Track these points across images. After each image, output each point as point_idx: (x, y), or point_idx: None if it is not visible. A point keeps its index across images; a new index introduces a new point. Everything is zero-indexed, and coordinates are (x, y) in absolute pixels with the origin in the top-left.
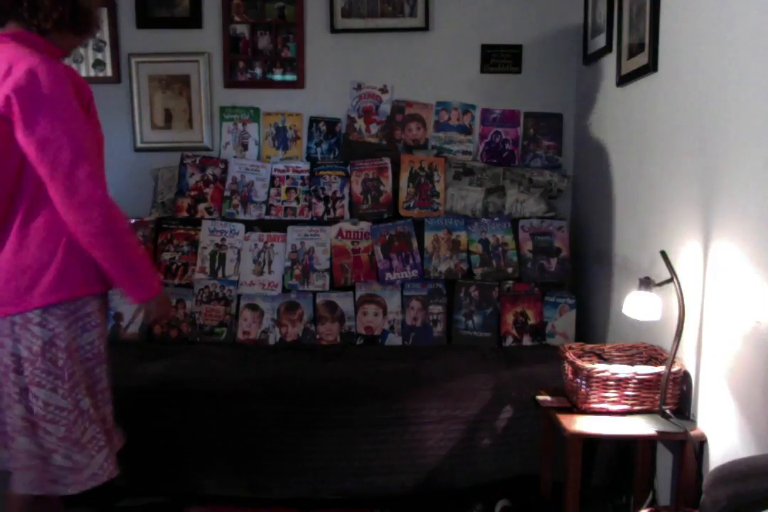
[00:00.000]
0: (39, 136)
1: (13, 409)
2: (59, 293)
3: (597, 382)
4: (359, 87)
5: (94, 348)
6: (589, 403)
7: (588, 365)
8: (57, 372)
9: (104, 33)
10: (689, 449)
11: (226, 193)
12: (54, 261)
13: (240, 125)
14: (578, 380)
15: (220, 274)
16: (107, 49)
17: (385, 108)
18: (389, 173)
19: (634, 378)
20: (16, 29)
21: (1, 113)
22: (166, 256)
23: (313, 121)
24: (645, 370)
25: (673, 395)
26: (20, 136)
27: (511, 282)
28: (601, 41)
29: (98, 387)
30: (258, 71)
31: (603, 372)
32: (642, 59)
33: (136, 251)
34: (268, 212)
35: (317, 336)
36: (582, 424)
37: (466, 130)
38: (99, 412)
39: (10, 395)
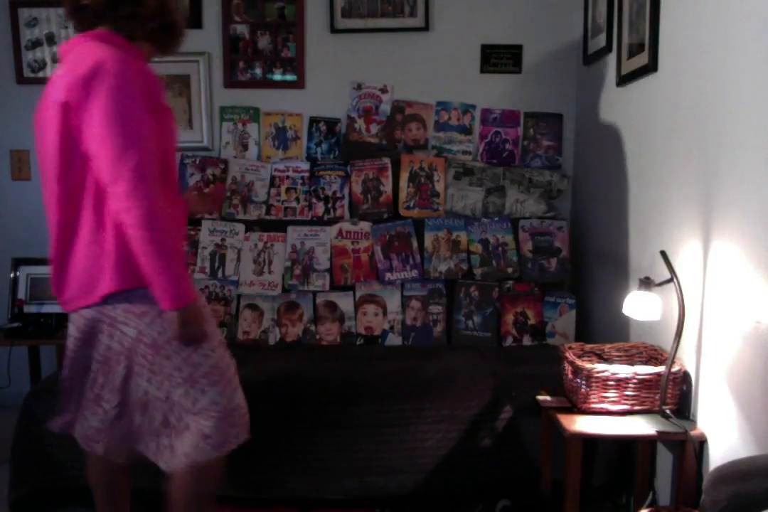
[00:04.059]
0: (95, 122)
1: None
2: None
3: (597, 382)
4: (359, 87)
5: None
6: (589, 403)
7: (588, 365)
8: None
9: None
10: (689, 449)
11: (226, 193)
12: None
13: (240, 125)
14: (578, 380)
15: (220, 274)
16: None
17: (385, 108)
18: (389, 173)
19: (634, 378)
20: (102, 30)
21: (66, 102)
22: None
23: (313, 121)
24: (645, 370)
25: (673, 395)
26: (80, 125)
27: (511, 282)
28: (601, 41)
29: None
30: (258, 71)
31: (603, 372)
32: (642, 59)
33: (174, 254)
34: (268, 212)
35: (317, 336)
36: (582, 424)
37: (466, 130)
38: None
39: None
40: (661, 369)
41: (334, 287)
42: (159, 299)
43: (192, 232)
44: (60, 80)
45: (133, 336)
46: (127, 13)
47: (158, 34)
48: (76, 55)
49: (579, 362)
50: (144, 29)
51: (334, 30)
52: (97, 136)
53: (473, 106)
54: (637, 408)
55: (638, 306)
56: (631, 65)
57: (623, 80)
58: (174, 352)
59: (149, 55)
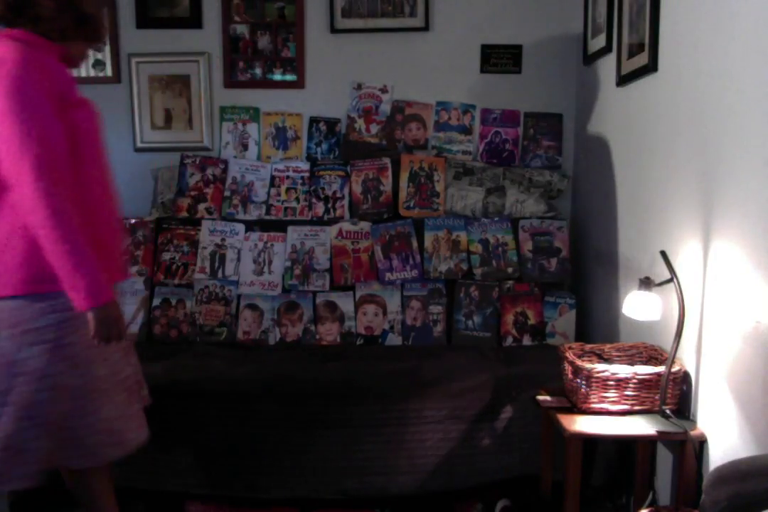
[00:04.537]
0: None
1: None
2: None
3: (597, 382)
4: (359, 87)
5: None
6: (589, 403)
7: (588, 365)
8: None
9: None
10: (689, 449)
11: (226, 193)
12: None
13: (240, 125)
14: (578, 380)
15: (220, 274)
16: (107, 49)
17: (385, 108)
18: (389, 173)
19: (634, 378)
20: (17, 30)
21: None
22: (166, 256)
23: (313, 121)
24: (645, 370)
25: (673, 395)
26: None
27: (511, 282)
28: (601, 41)
29: None
30: (258, 71)
31: (603, 372)
32: (642, 59)
33: (85, 252)
34: (268, 212)
35: (317, 336)
36: (582, 424)
37: (466, 130)
38: None
39: None
40: (661, 369)
41: (334, 287)
42: (73, 299)
43: (192, 232)
44: None
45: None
46: (31, 16)
47: (72, 32)
48: None
49: (579, 362)
50: (54, 31)
51: (334, 30)
52: None
53: (473, 106)
54: (637, 408)
55: (638, 306)
56: (631, 65)
57: (623, 80)
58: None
59: (80, 52)
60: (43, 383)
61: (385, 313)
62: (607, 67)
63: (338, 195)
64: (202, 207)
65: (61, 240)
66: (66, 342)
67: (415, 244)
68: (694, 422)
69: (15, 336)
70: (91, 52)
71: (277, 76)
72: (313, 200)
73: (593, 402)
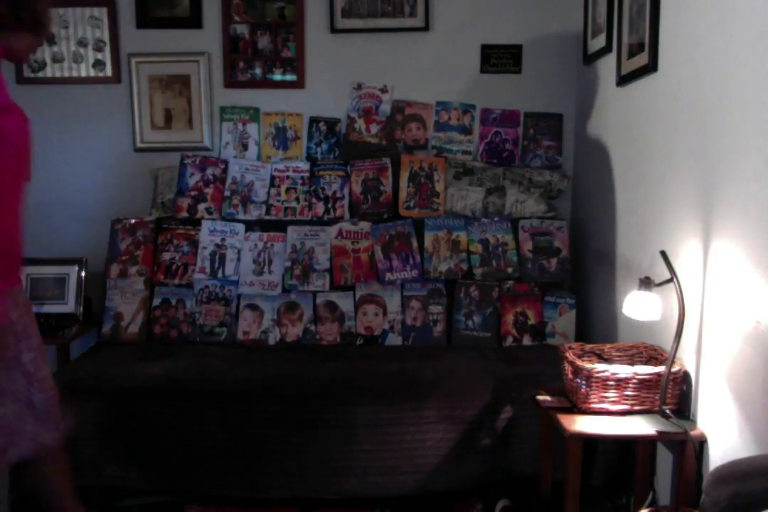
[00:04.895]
0: None
1: None
2: None
3: (597, 382)
4: (359, 87)
5: None
6: (589, 403)
7: (588, 365)
8: None
9: (104, 33)
10: (689, 449)
11: (226, 193)
12: None
13: (240, 125)
14: (578, 380)
15: (220, 274)
16: (107, 49)
17: (385, 108)
18: (389, 173)
19: (634, 378)
20: None
21: None
22: (166, 256)
23: (313, 121)
24: (645, 370)
25: (673, 395)
26: None
27: (511, 282)
28: (601, 41)
29: None
30: (258, 71)
31: (603, 372)
32: (642, 59)
33: None
34: (268, 212)
35: (317, 336)
36: (582, 424)
37: (466, 130)
38: None
39: None
40: (661, 369)
41: (334, 287)
42: None
43: (192, 232)
44: None
45: None
46: None
47: (8, 21)
48: None
49: (579, 362)
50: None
51: (334, 30)
52: None
53: (473, 106)
54: (637, 408)
55: (638, 306)
56: (631, 65)
57: (623, 80)
58: None
59: (26, 45)
60: None
61: (385, 313)
62: (607, 67)
63: (338, 195)
64: (202, 207)
65: None
66: None
67: (415, 244)
68: (694, 422)
69: None
70: (90, 53)
71: (277, 76)
72: (313, 200)
73: (593, 402)
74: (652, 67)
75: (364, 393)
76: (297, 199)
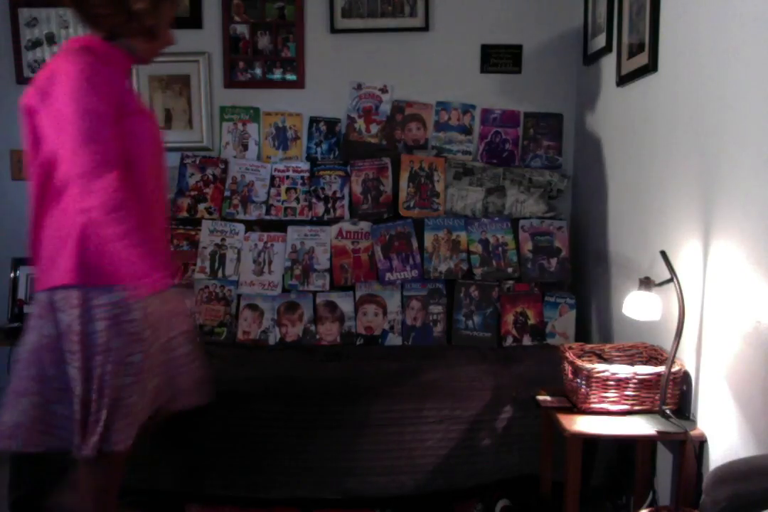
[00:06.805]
0: (52, 121)
1: None
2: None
3: (597, 382)
4: (359, 87)
5: None
6: (589, 403)
7: (588, 365)
8: None
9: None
10: (689, 449)
11: (226, 193)
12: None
13: (240, 125)
14: (578, 380)
15: (220, 274)
16: None
17: (385, 108)
18: (389, 173)
19: (634, 378)
20: (85, 38)
21: (30, 104)
22: None
23: (313, 121)
24: (645, 370)
25: (673, 395)
26: (41, 125)
27: (511, 282)
28: (601, 41)
29: None
30: (258, 71)
31: (603, 372)
32: (642, 59)
33: (143, 240)
34: (268, 212)
35: (317, 336)
36: (582, 424)
37: (466, 130)
38: None
39: None
40: (661, 369)
41: (334, 287)
42: (134, 287)
43: (192, 232)
44: (31, 85)
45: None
46: (83, 16)
47: (123, 30)
48: (53, 60)
49: (579, 362)
50: (103, 29)
51: (334, 30)
52: (53, 136)
53: (473, 106)
54: (637, 408)
55: (638, 306)
56: (631, 65)
57: (623, 80)
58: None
59: (144, 52)
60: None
61: (385, 313)
62: (607, 67)
63: (338, 195)
64: (202, 207)
65: (118, 223)
66: (125, 319)
67: (415, 244)
68: (694, 422)
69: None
70: None
71: (277, 76)
72: (313, 200)
73: (593, 402)
74: (652, 67)
75: (364, 393)
76: (297, 199)
